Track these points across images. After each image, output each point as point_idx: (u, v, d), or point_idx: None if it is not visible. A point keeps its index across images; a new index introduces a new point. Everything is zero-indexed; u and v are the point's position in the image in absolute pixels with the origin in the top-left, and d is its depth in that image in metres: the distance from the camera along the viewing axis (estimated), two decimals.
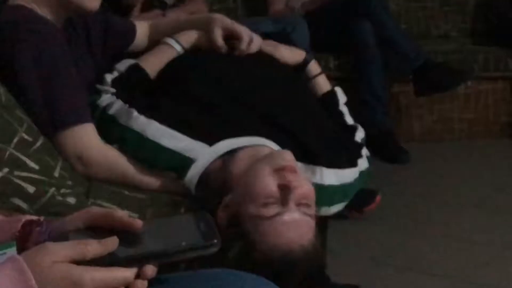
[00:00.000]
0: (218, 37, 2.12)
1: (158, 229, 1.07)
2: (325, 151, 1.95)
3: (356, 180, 2.00)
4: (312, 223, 1.64)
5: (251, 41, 2.12)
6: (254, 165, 1.71)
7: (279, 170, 1.66)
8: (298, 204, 1.62)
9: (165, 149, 1.83)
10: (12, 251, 1.06)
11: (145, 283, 1.02)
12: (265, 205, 1.61)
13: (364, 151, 2.13)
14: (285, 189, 1.62)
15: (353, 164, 2.02)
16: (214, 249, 1.03)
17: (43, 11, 1.94)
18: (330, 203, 1.95)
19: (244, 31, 2.12)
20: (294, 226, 1.60)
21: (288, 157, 1.71)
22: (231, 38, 2.14)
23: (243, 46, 2.10)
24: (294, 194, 1.62)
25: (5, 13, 1.93)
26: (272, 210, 1.61)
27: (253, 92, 2.00)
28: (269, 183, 1.64)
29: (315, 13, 4.05)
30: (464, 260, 2.81)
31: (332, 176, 1.93)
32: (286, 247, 1.57)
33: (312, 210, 1.66)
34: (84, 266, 0.97)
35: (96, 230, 1.06)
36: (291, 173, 1.65)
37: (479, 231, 3.07)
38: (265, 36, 2.30)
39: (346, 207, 3.10)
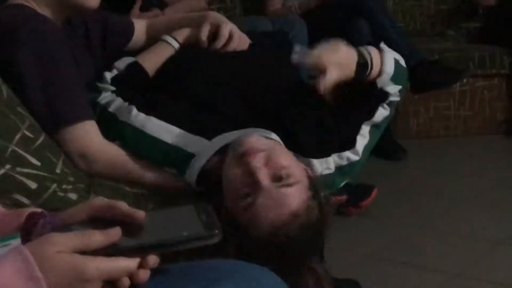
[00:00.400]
0: (202, 33, 2.12)
1: (160, 220, 1.09)
2: (315, 143, 1.94)
3: (363, 153, 1.99)
4: (296, 189, 1.63)
5: (230, 40, 2.11)
6: (226, 159, 1.74)
7: (242, 157, 1.67)
8: (276, 180, 1.63)
9: (165, 144, 1.84)
10: (16, 242, 1.08)
11: (148, 272, 1.03)
12: (242, 196, 1.63)
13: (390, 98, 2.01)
14: (250, 175, 1.63)
15: (349, 146, 1.98)
16: (215, 239, 1.05)
17: (43, 10, 1.95)
18: (332, 186, 1.97)
19: (225, 29, 2.11)
20: (275, 203, 1.60)
21: (246, 140, 1.72)
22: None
23: (218, 44, 2.10)
24: (263, 174, 1.62)
25: (5, 12, 1.94)
26: (248, 198, 1.62)
27: (249, 88, 2.00)
28: (236, 175, 1.66)
29: (312, 13, 4.06)
30: (460, 255, 2.82)
31: (324, 166, 1.93)
32: (276, 223, 1.58)
33: (294, 178, 1.65)
34: (88, 256, 0.98)
35: (99, 221, 1.08)
36: (252, 155, 1.66)
37: (475, 226, 3.09)
38: (264, 35, 2.30)
39: (342, 204, 3.15)
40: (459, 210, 3.29)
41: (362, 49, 1.96)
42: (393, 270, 2.71)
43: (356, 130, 1.99)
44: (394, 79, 1.98)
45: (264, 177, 1.62)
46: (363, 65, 1.93)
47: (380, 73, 1.96)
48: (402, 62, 2.04)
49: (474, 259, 2.78)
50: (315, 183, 1.71)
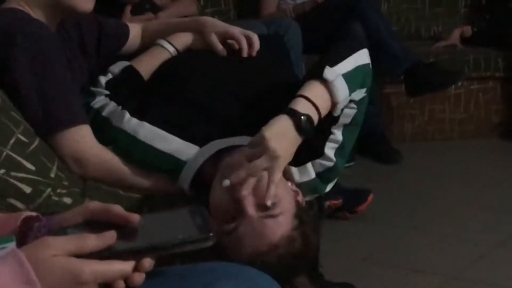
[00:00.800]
0: (216, 43, 2.13)
1: (155, 223, 1.09)
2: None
3: (337, 155, 1.91)
4: (280, 220, 1.61)
5: (250, 41, 2.13)
6: (215, 178, 1.72)
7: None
8: (262, 209, 1.60)
9: (157, 151, 1.84)
10: (12, 245, 1.08)
11: (143, 275, 1.03)
12: (226, 220, 1.62)
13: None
14: (236, 202, 1.61)
15: (318, 154, 1.90)
16: (210, 242, 1.05)
17: (37, 14, 1.95)
18: (316, 192, 1.94)
19: (239, 34, 2.12)
20: (256, 233, 1.59)
21: (236, 164, 1.68)
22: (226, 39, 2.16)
23: (245, 52, 2.10)
24: (250, 203, 1.60)
25: None
26: (231, 224, 1.61)
27: (246, 93, 1.99)
28: (223, 199, 1.64)
29: (306, 16, 4.07)
30: (456, 258, 2.82)
31: (303, 173, 1.88)
32: (254, 253, 1.58)
33: (281, 208, 1.62)
34: (83, 259, 0.99)
35: (95, 224, 1.08)
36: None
37: (470, 228, 3.09)
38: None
39: (338, 209, 3.14)
40: (455, 212, 3.29)
41: (297, 104, 1.74)
42: (390, 273, 2.71)
43: (324, 137, 1.91)
44: (356, 87, 1.86)
45: (250, 206, 1.61)
46: (306, 121, 1.72)
47: (333, 105, 1.80)
48: (363, 59, 1.89)
49: (471, 262, 2.79)
50: (302, 210, 1.68)
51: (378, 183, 3.54)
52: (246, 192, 1.61)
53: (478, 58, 4.32)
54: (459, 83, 4.27)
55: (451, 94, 4.37)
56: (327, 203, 3.09)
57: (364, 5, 3.89)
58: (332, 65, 1.80)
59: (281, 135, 1.68)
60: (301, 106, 1.73)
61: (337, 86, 1.78)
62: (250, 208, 1.60)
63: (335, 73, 1.79)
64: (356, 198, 3.20)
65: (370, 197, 3.19)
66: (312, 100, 1.75)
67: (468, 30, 4.54)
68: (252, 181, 1.64)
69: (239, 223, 1.60)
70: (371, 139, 3.85)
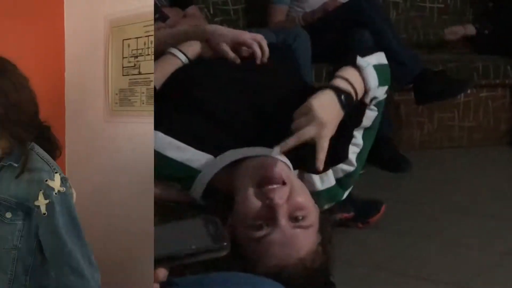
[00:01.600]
0: (228, 51, 2.15)
1: (168, 233, 1.09)
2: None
3: (357, 161, 1.97)
4: (309, 233, 1.64)
5: (261, 46, 2.14)
6: (241, 183, 1.73)
7: (262, 186, 1.66)
8: (292, 219, 1.62)
9: (170, 160, 1.84)
10: None
11: (157, 286, 1.04)
12: (255, 227, 1.62)
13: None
14: (269, 209, 1.62)
15: (342, 158, 1.96)
16: (223, 252, 1.05)
17: None
18: (335, 199, 1.95)
19: (250, 40, 2.14)
20: (287, 243, 1.60)
21: (270, 167, 1.70)
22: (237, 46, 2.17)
23: (258, 58, 2.14)
24: (283, 211, 1.61)
25: None
26: (261, 231, 1.61)
27: (258, 102, 1.99)
28: (253, 205, 1.65)
29: (315, 24, 4.07)
30: (464, 267, 2.80)
31: (324, 180, 1.92)
32: (281, 265, 1.58)
33: (309, 220, 1.64)
34: None
35: None
36: (276, 189, 1.65)
37: (481, 237, 3.07)
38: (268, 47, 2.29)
39: (352, 219, 3.14)
40: (464, 221, 3.27)
41: (338, 82, 1.86)
42: (398, 282, 2.70)
43: (348, 141, 1.96)
44: (380, 82, 1.94)
45: (283, 215, 1.62)
46: (346, 98, 1.83)
47: (366, 91, 1.91)
48: (383, 59, 2.00)
49: (480, 271, 2.77)
50: (324, 225, 1.70)
51: (387, 191, 3.53)
52: (280, 200, 1.63)
53: (487, 65, 4.32)
54: (468, 91, 4.26)
55: (460, 102, 4.36)
56: (339, 216, 3.08)
57: (372, 13, 3.89)
58: (362, 56, 1.91)
59: (327, 105, 1.78)
60: (341, 84, 1.84)
61: (369, 73, 1.88)
62: (283, 217, 1.61)
63: (366, 62, 1.90)
64: (369, 209, 3.18)
65: (383, 208, 3.18)
66: (350, 80, 1.85)
67: (471, 29, 4.55)
68: (285, 190, 1.65)
69: (270, 231, 1.60)
70: (380, 146, 3.84)
